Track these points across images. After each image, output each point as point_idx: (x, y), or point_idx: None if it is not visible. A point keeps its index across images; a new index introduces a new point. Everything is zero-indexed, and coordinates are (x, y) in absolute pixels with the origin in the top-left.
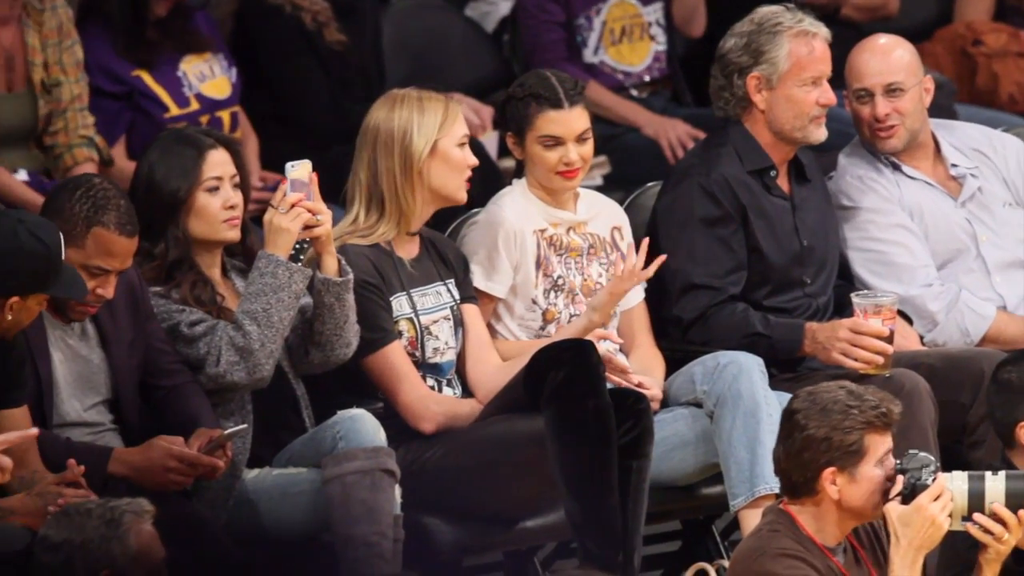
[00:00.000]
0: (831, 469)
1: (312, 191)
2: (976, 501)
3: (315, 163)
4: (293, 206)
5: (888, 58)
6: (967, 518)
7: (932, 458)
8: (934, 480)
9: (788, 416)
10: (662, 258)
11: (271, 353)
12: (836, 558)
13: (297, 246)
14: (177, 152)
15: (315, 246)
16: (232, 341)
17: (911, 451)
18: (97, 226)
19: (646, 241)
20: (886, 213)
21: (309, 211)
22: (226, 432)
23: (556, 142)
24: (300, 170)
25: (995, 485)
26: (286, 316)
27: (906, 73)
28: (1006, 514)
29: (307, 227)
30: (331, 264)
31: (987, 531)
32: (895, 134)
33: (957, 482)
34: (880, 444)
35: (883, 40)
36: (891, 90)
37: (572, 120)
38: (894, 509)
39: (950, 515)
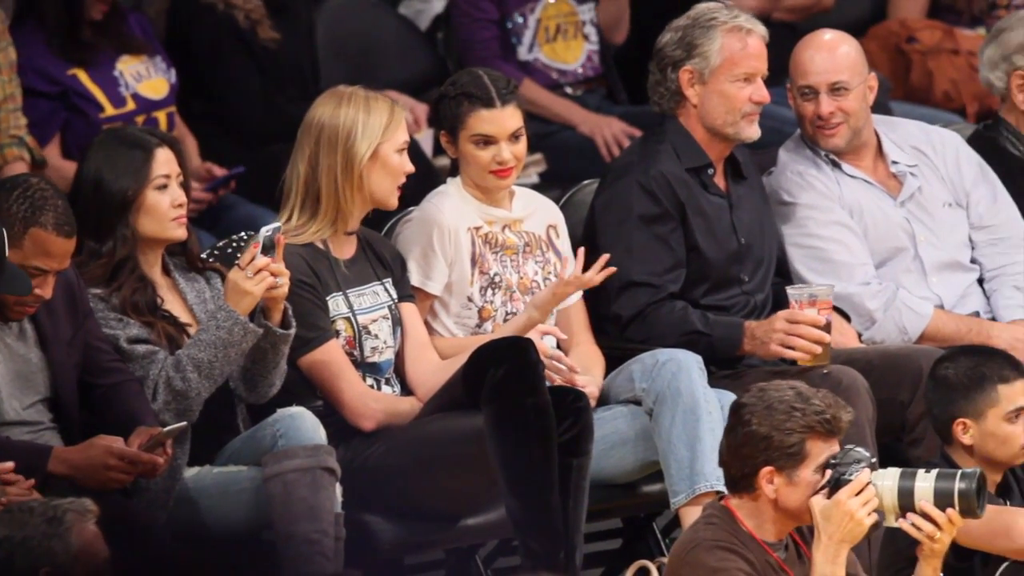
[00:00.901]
0: (769, 468)
1: (277, 253)
2: (906, 499)
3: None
4: (259, 271)
5: (834, 55)
6: (903, 515)
7: (867, 454)
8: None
9: (735, 409)
10: (605, 258)
11: (202, 401)
12: (776, 554)
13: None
14: (124, 152)
15: (266, 302)
16: (170, 382)
17: (848, 446)
18: (35, 227)
19: (582, 251)
20: (825, 210)
21: (272, 274)
22: (165, 430)
23: (488, 141)
24: (272, 235)
25: (924, 484)
26: (227, 371)
27: (851, 72)
28: (935, 512)
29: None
30: (276, 316)
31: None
32: (838, 132)
33: (887, 479)
34: (823, 450)
35: (828, 36)
36: (835, 89)
37: (504, 119)
38: (817, 503)
39: (879, 511)
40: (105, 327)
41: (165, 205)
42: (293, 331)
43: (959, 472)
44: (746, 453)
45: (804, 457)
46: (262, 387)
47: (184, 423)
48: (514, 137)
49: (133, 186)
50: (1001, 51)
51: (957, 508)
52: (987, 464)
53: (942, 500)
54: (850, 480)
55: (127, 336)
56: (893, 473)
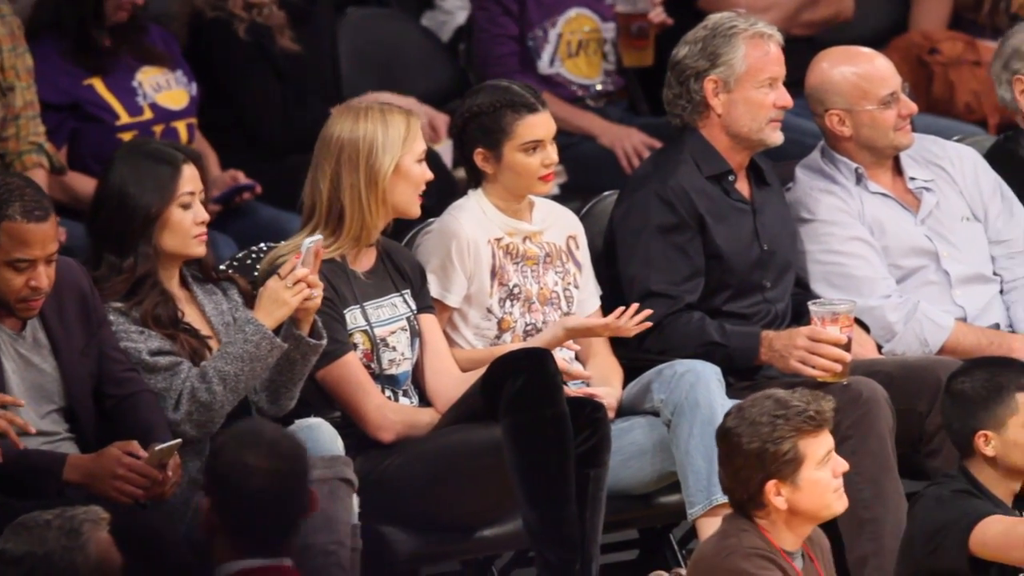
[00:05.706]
0: (773, 482)
1: (314, 266)
2: None
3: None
4: (298, 281)
5: (887, 62)
6: None
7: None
8: None
9: (722, 436)
10: (634, 306)
11: (225, 414)
12: (795, 563)
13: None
14: (150, 167)
15: (298, 314)
16: (195, 393)
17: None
18: (5, 221)
19: (630, 310)
20: (844, 226)
21: (308, 286)
22: (158, 448)
23: (537, 146)
24: (314, 246)
25: None
26: (251, 384)
27: None
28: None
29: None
30: (306, 327)
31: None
32: (910, 129)
33: None
34: (817, 446)
35: (867, 50)
36: (903, 89)
37: (548, 121)
38: None
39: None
40: (127, 340)
41: (188, 222)
42: (324, 342)
43: None
44: (745, 475)
45: (801, 460)
46: (285, 399)
47: (178, 440)
48: (553, 140)
49: (158, 203)
50: (1002, 61)
51: None
52: (1009, 475)
53: None
54: None
55: (149, 349)
56: None
